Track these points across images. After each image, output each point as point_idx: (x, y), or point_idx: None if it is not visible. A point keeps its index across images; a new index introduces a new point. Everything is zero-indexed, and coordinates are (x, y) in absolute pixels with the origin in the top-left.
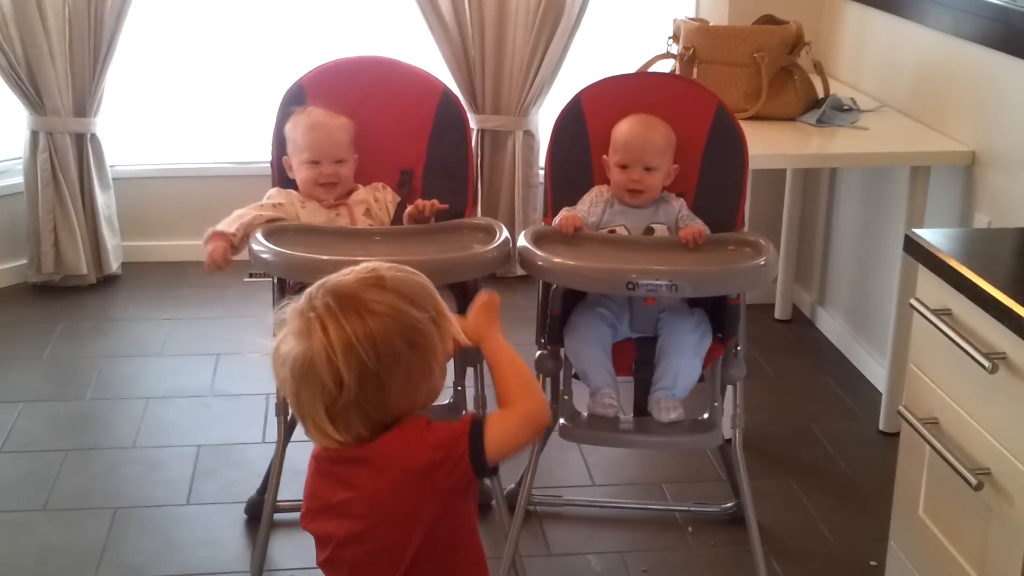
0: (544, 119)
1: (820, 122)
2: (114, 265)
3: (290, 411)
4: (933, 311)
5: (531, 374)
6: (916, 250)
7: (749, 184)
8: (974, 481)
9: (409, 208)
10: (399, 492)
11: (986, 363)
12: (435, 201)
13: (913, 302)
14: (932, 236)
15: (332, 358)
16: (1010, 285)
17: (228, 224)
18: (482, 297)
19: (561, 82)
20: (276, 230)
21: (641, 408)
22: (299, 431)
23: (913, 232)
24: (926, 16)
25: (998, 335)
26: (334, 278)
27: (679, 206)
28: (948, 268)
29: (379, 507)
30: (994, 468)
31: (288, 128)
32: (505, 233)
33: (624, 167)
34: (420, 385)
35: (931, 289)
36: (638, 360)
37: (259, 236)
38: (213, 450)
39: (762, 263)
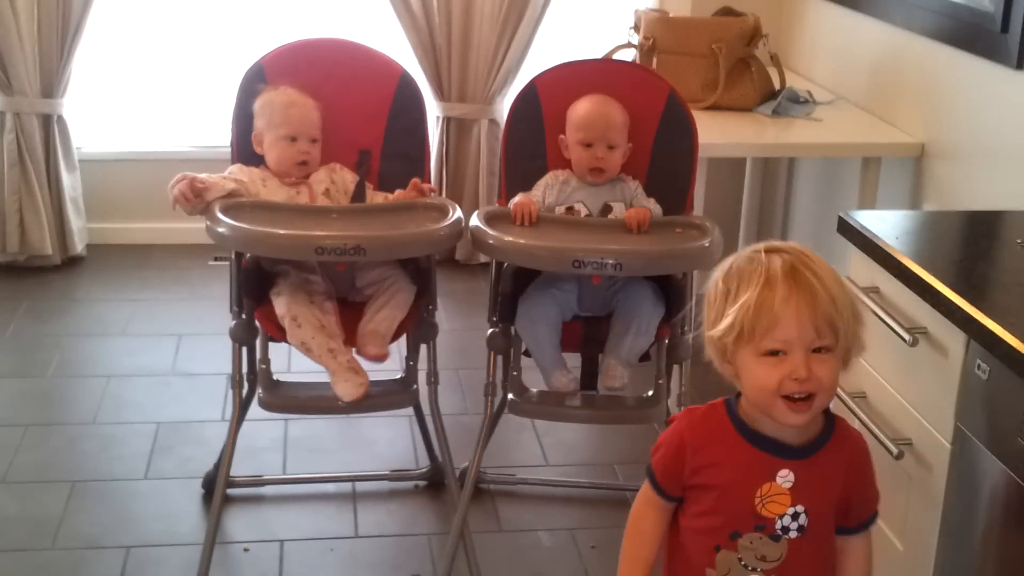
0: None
1: (776, 113)
2: (79, 246)
3: (244, 388)
4: (862, 289)
5: None
6: (848, 231)
7: (698, 170)
8: (895, 451)
9: (409, 190)
10: None
11: (907, 337)
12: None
13: (844, 281)
14: (864, 218)
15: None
16: (932, 263)
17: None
18: None
19: (526, 71)
20: (234, 206)
21: (588, 385)
22: (253, 408)
23: (846, 213)
24: (880, 10)
25: (919, 311)
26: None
27: (635, 187)
28: (875, 248)
29: None
30: (915, 439)
31: (259, 104)
32: (458, 212)
33: (588, 145)
34: None
35: (862, 268)
36: (585, 338)
37: (217, 211)
38: (172, 427)
39: (706, 244)
